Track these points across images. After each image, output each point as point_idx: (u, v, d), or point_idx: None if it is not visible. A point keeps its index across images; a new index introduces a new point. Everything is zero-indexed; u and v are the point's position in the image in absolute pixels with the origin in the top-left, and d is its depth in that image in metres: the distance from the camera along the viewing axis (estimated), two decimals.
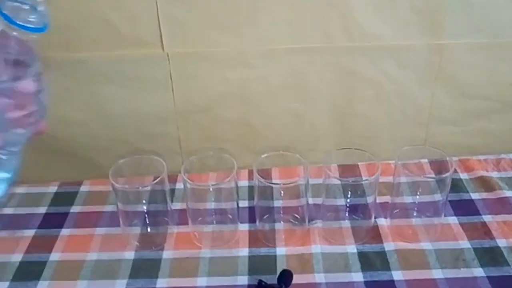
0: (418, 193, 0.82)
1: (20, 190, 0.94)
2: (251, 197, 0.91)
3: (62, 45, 0.90)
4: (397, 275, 0.76)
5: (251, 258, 0.80)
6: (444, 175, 0.78)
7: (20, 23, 0.50)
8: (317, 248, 0.81)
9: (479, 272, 0.76)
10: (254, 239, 0.83)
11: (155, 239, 0.83)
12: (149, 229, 0.85)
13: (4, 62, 0.51)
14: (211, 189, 0.81)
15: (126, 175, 0.79)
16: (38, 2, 0.50)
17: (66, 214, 0.89)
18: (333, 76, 0.96)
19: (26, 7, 0.49)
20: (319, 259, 0.79)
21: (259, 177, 0.78)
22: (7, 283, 0.76)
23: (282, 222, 0.85)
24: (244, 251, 0.81)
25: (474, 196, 0.91)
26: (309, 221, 0.85)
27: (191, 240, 0.84)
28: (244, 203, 0.90)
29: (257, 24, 0.89)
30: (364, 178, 0.93)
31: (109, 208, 0.89)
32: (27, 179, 0.97)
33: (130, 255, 0.81)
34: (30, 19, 0.50)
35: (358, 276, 0.76)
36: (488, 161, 0.99)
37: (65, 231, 0.85)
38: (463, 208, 0.88)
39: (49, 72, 0.90)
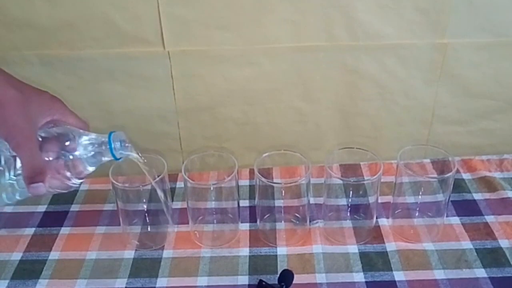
0: (420, 193, 0.82)
1: None
2: (252, 197, 0.91)
3: (64, 43, 0.90)
4: (399, 275, 0.76)
5: (252, 257, 0.80)
6: (446, 175, 0.77)
7: (117, 157, 0.65)
8: (318, 248, 0.81)
9: (481, 272, 0.76)
10: (255, 239, 0.83)
11: (155, 238, 0.83)
12: (149, 228, 0.85)
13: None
14: (211, 188, 0.81)
15: (126, 174, 0.79)
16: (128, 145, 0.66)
17: (66, 213, 0.89)
18: (336, 75, 0.95)
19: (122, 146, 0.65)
20: (320, 259, 0.79)
21: (260, 176, 0.77)
22: (7, 281, 0.76)
23: (283, 221, 0.85)
24: (244, 251, 0.81)
25: (477, 196, 0.90)
26: (310, 221, 0.84)
27: (192, 239, 0.83)
28: (245, 203, 0.90)
29: (260, 22, 0.89)
30: (366, 177, 0.93)
31: (109, 207, 0.89)
32: None
33: (130, 254, 0.81)
34: (118, 154, 0.65)
35: (359, 277, 0.76)
36: (491, 161, 0.98)
37: (64, 230, 0.85)
38: (466, 208, 0.88)
39: (51, 69, 0.91)
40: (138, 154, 0.69)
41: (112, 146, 0.64)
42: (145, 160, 0.71)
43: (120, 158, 0.66)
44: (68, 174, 0.62)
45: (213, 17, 0.88)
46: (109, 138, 0.64)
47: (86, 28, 0.88)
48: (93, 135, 0.65)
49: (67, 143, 0.62)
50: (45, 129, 0.62)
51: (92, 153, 0.64)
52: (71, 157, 0.62)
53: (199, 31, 0.89)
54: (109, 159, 0.65)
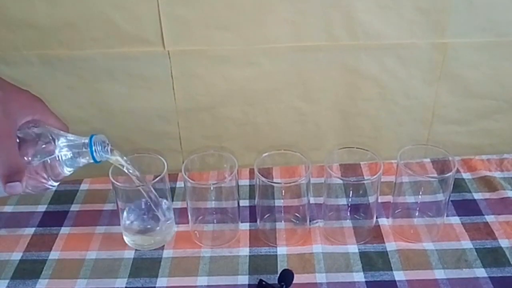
0: (420, 193, 0.82)
1: None
2: (252, 196, 0.91)
3: (64, 43, 0.90)
4: (399, 275, 0.76)
5: (252, 257, 0.80)
6: (446, 175, 0.77)
7: (97, 160, 0.66)
8: (318, 247, 0.80)
9: (481, 272, 0.76)
10: (255, 239, 0.83)
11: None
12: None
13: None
14: (211, 188, 0.81)
15: (126, 174, 0.79)
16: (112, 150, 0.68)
17: (66, 213, 0.89)
18: (336, 75, 0.95)
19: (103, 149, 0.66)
20: (320, 258, 0.79)
21: (260, 176, 0.77)
22: (7, 281, 0.76)
23: (283, 221, 0.84)
24: (244, 251, 0.81)
25: (477, 196, 0.90)
26: (310, 221, 0.84)
27: (192, 239, 0.83)
28: (245, 202, 0.90)
29: (260, 22, 0.89)
30: (366, 177, 0.93)
31: (109, 206, 0.89)
32: None
33: (130, 254, 0.81)
34: (98, 156, 0.65)
35: (359, 276, 0.76)
36: (491, 161, 0.98)
37: (64, 230, 0.85)
38: (466, 208, 0.88)
39: (51, 69, 0.91)
40: (121, 156, 0.69)
41: (93, 148, 0.64)
42: (129, 162, 0.71)
43: (100, 161, 0.66)
44: (45, 175, 0.62)
45: (213, 17, 0.88)
46: (90, 140, 0.64)
47: (86, 28, 0.88)
48: (73, 137, 0.65)
49: (46, 144, 0.62)
50: (24, 129, 0.62)
51: (71, 155, 0.64)
52: (49, 158, 0.62)
53: (199, 31, 0.89)
54: (88, 162, 0.65)
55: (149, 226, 0.81)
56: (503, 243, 0.80)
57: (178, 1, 0.86)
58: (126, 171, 0.71)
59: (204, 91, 0.97)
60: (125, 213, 0.81)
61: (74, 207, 0.90)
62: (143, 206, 0.82)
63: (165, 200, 0.81)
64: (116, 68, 0.93)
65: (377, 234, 0.83)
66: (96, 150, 0.64)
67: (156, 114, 0.99)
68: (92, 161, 0.65)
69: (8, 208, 0.90)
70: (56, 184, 0.65)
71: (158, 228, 0.82)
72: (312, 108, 1.00)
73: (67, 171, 0.64)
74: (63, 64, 0.92)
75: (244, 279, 0.76)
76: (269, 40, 0.91)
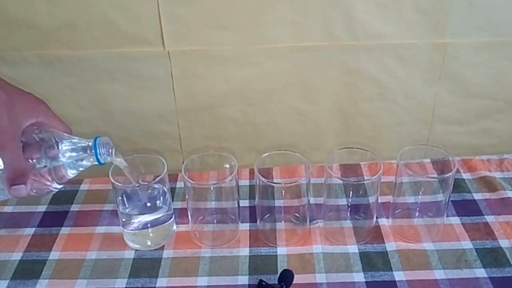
0: (420, 193, 0.82)
1: None
2: (252, 196, 0.91)
3: (64, 43, 0.89)
4: (399, 275, 0.76)
5: (252, 257, 0.80)
6: (446, 175, 0.77)
7: (102, 162, 0.66)
8: (318, 248, 0.81)
9: (481, 272, 0.76)
10: (255, 239, 0.83)
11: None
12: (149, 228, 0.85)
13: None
14: (211, 188, 0.81)
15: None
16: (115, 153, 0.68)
17: (66, 213, 0.89)
18: (336, 75, 0.95)
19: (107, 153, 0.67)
20: (320, 259, 0.79)
21: (260, 176, 0.77)
22: (7, 281, 0.76)
23: (283, 221, 0.85)
24: (245, 251, 0.81)
25: (477, 196, 0.90)
26: (310, 221, 0.84)
27: (192, 239, 0.83)
28: (245, 203, 0.90)
29: (260, 22, 0.89)
30: (366, 177, 0.93)
31: (109, 206, 0.89)
32: None
33: (130, 254, 0.81)
34: (103, 159, 0.66)
35: (359, 277, 0.76)
36: (491, 161, 0.98)
37: (64, 230, 0.85)
38: (466, 208, 0.88)
39: (51, 70, 0.91)
40: (121, 158, 0.70)
41: (98, 151, 0.64)
42: (127, 165, 0.72)
43: (104, 163, 0.66)
44: (49, 177, 0.62)
45: (213, 17, 0.88)
46: (94, 143, 0.64)
47: (86, 28, 0.88)
48: (76, 140, 0.65)
49: (49, 147, 0.62)
50: (28, 132, 0.62)
51: (75, 158, 0.64)
52: (53, 161, 0.62)
53: (199, 31, 0.89)
54: (91, 164, 0.65)
55: (149, 225, 0.81)
56: (503, 243, 0.81)
57: (178, 1, 0.86)
58: (126, 173, 0.72)
59: (204, 91, 0.97)
60: (124, 213, 0.81)
61: (74, 207, 0.90)
62: (143, 206, 0.82)
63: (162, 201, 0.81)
64: (116, 68, 0.93)
65: (377, 234, 0.83)
66: (101, 153, 0.64)
67: (156, 114, 0.99)
68: (96, 163, 0.65)
69: (8, 208, 0.90)
70: (59, 186, 0.65)
71: (158, 227, 0.82)
72: (312, 108, 1.00)
73: (70, 173, 0.64)
74: (63, 64, 0.92)
75: (244, 279, 0.76)
76: (269, 40, 0.91)
